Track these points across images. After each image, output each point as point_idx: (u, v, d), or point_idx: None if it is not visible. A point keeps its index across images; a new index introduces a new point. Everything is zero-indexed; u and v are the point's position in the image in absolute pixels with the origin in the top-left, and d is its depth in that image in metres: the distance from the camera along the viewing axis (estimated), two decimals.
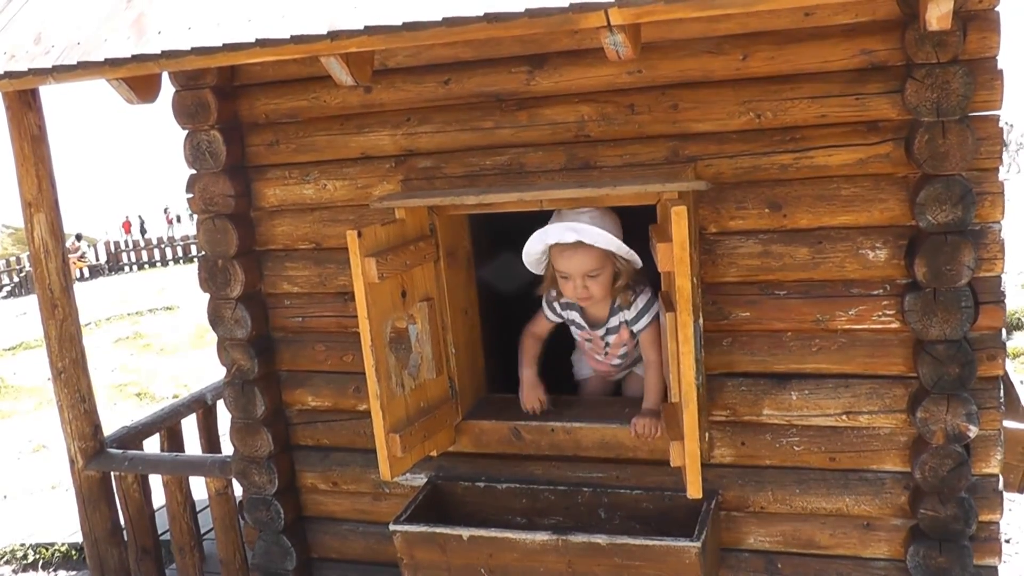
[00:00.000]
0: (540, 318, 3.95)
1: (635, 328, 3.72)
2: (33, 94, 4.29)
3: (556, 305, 3.86)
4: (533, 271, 3.79)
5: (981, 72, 3.05)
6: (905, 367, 3.36)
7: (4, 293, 26.79)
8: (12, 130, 4.31)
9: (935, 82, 3.01)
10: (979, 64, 3.05)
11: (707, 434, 3.58)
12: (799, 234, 3.36)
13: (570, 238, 3.47)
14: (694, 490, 3.16)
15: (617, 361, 3.95)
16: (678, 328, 3.03)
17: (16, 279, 27.45)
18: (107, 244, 33.50)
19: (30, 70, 3.33)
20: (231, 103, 3.88)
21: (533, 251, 3.63)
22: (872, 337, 3.37)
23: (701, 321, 3.45)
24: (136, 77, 3.41)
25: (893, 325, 3.33)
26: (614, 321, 3.75)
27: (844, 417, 3.45)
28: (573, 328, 3.92)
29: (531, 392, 3.85)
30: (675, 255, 2.96)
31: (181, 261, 31.84)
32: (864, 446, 3.46)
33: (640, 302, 3.68)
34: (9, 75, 3.35)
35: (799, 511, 3.58)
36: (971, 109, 3.06)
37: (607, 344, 3.86)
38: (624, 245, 3.51)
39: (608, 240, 3.46)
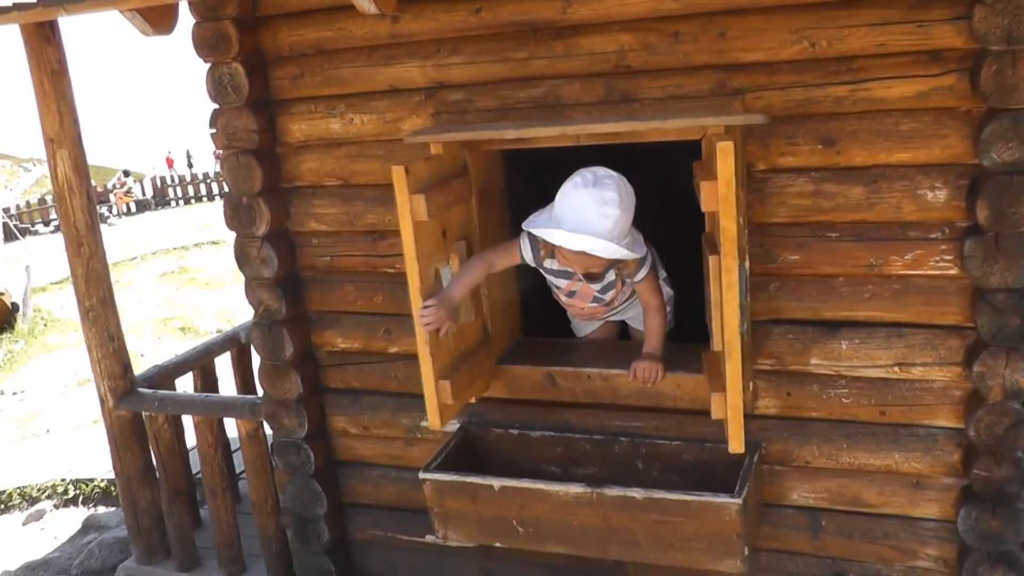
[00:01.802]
0: (511, 252, 3.56)
1: (632, 280, 3.52)
2: (52, 28, 4.14)
3: (541, 253, 3.53)
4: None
5: None
6: (962, 317, 3.15)
7: (52, 228, 27.09)
8: (32, 65, 4.18)
9: (1007, 7, 2.76)
10: None
11: (751, 384, 3.41)
12: (853, 172, 3.15)
13: (590, 251, 3.19)
14: (736, 444, 3.01)
15: (606, 309, 3.78)
16: (722, 272, 2.84)
17: None
18: (153, 180, 33.69)
19: (40, 2, 3.21)
20: (253, 35, 3.71)
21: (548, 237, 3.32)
22: (928, 284, 3.17)
23: (747, 264, 3.26)
24: (151, 8, 3.28)
25: (951, 271, 3.12)
26: (611, 275, 3.53)
27: (896, 369, 3.26)
28: (554, 277, 3.63)
29: (442, 310, 3.31)
30: (720, 194, 2.76)
31: None
32: (916, 400, 3.27)
33: (641, 272, 3.48)
34: (19, 7, 3.23)
35: (846, 467, 3.42)
36: None
37: (599, 299, 3.64)
38: (633, 253, 3.25)
39: (623, 254, 3.21)
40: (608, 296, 3.63)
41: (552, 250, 3.43)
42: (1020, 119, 2.85)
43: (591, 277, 3.56)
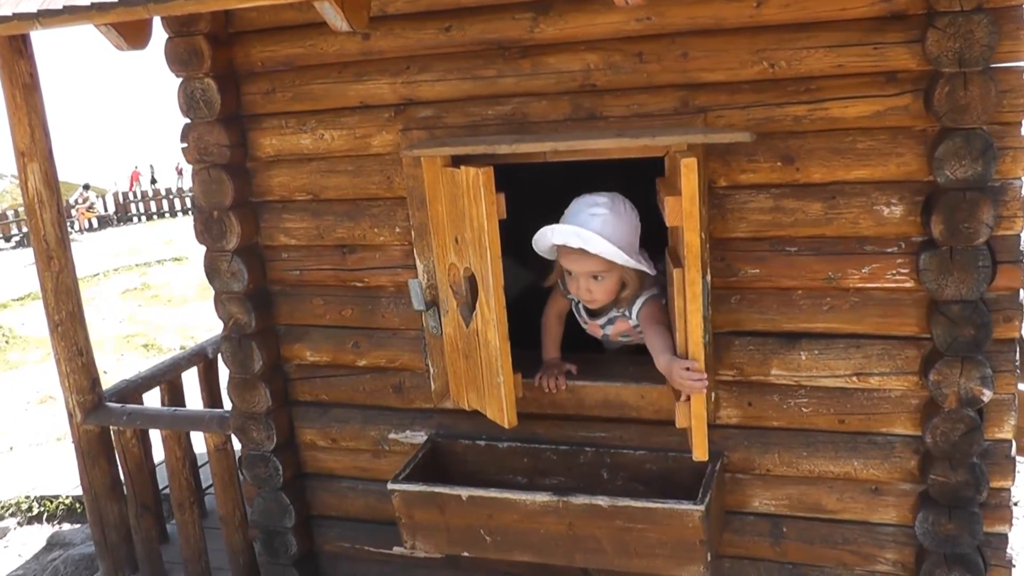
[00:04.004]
0: (557, 296, 3.84)
1: (631, 315, 3.63)
2: (24, 41, 4.16)
3: (565, 288, 3.73)
4: (544, 256, 3.68)
5: (1006, 21, 2.91)
6: (918, 328, 3.25)
7: (13, 243, 26.78)
8: (3, 78, 4.19)
9: (958, 31, 2.88)
10: (1004, 13, 2.91)
11: (713, 394, 3.49)
12: (812, 188, 3.24)
13: (574, 243, 3.35)
14: (700, 452, 3.09)
15: (623, 339, 3.86)
16: (686, 285, 2.93)
17: (24, 229, 27.45)
18: (116, 195, 33.43)
19: (15, 15, 3.22)
20: (226, 50, 3.75)
21: (543, 242, 3.53)
22: (885, 296, 3.27)
23: (709, 278, 3.35)
24: (126, 23, 3.30)
25: (907, 284, 3.22)
26: (613, 311, 3.66)
27: (854, 378, 3.35)
28: (574, 309, 3.84)
29: (554, 369, 3.70)
30: (684, 209, 2.85)
31: (190, 212, 31.79)
32: (874, 408, 3.37)
33: (640, 300, 3.58)
34: None
35: (806, 474, 3.50)
36: (994, 60, 2.92)
37: (606, 335, 3.78)
38: (630, 259, 3.37)
39: (612, 253, 3.33)
40: (611, 331, 3.74)
41: (561, 273, 3.62)
42: (972, 138, 2.95)
43: (593, 313, 3.70)
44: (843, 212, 3.22)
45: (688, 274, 2.92)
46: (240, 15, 3.71)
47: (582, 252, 3.38)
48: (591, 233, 3.31)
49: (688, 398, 3.10)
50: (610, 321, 3.71)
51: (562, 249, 3.49)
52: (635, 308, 3.60)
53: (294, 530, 4.27)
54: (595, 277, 3.48)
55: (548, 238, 3.43)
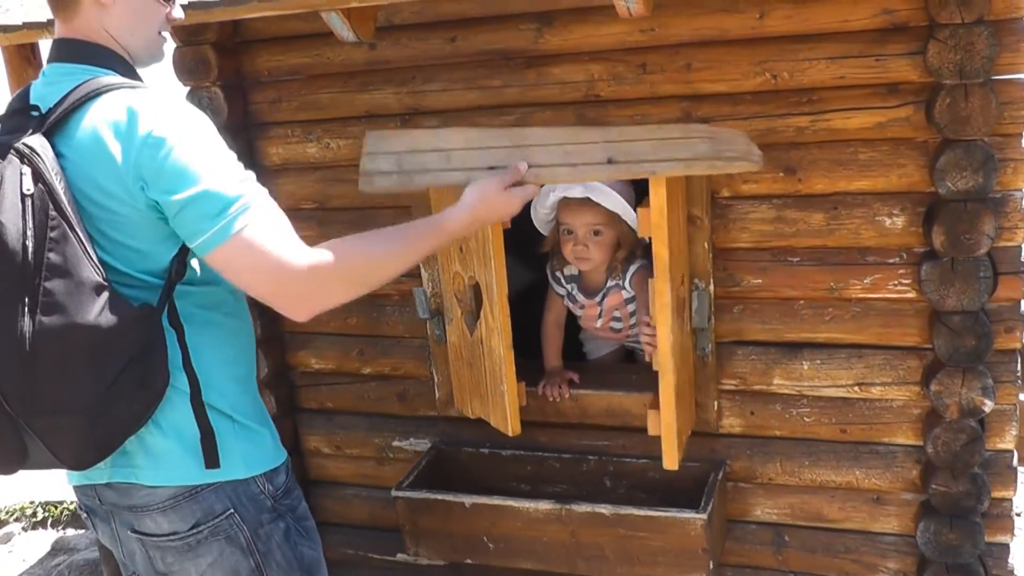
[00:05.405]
0: (553, 300, 3.88)
1: (624, 284, 3.69)
2: (33, 50, 4.17)
3: (560, 276, 3.81)
4: (542, 231, 3.74)
5: (1006, 33, 2.93)
6: (920, 338, 3.27)
7: None
8: (13, 86, 4.21)
9: (958, 43, 2.89)
10: (1005, 25, 2.93)
11: (716, 403, 3.51)
12: (814, 199, 3.26)
13: (578, 193, 3.42)
14: (670, 462, 3.12)
15: (616, 325, 3.88)
16: (655, 295, 2.96)
17: None
18: None
19: (24, 24, 3.25)
20: (233, 59, 3.78)
21: (543, 206, 3.58)
22: (887, 307, 3.28)
23: (711, 288, 3.37)
24: None
25: (909, 295, 3.24)
26: (610, 283, 3.71)
27: (856, 388, 3.37)
28: (568, 302, 3.86)
29: (556, 377, 3.72)
30: (653, 222, 2.88)
31: None
32: (876, 418, 3.38)
33: (632, 267, 3.67)
34: (3, 29, 3.27)
35: (808, 483, 3.51)
36: (995, 72, 2.94)
37: (601, 311, 3.80)
38: (631, 211, 3.43)
39: (616, 202, 3.40)
40: (606, 306, 3.75)
41: (559, 247, 3.66)
42: (973, 149, 2.97)
43: (588, 291, 3.72)
44: (845, 223, 3.24)
45: (657, 284, 2.94)
46: (247, 25, 3.74)
47: (585, 203, 3.43)
48: (597, 183, 3.36)
49: (658, 406, 3.12)
50: (605, 294, 3.73)
51: (563, 205, 3.54)
52: (628, 275, 3.66)
53: None
54: (594, 232, 3.53)
55: (551, 190, 3.47)
